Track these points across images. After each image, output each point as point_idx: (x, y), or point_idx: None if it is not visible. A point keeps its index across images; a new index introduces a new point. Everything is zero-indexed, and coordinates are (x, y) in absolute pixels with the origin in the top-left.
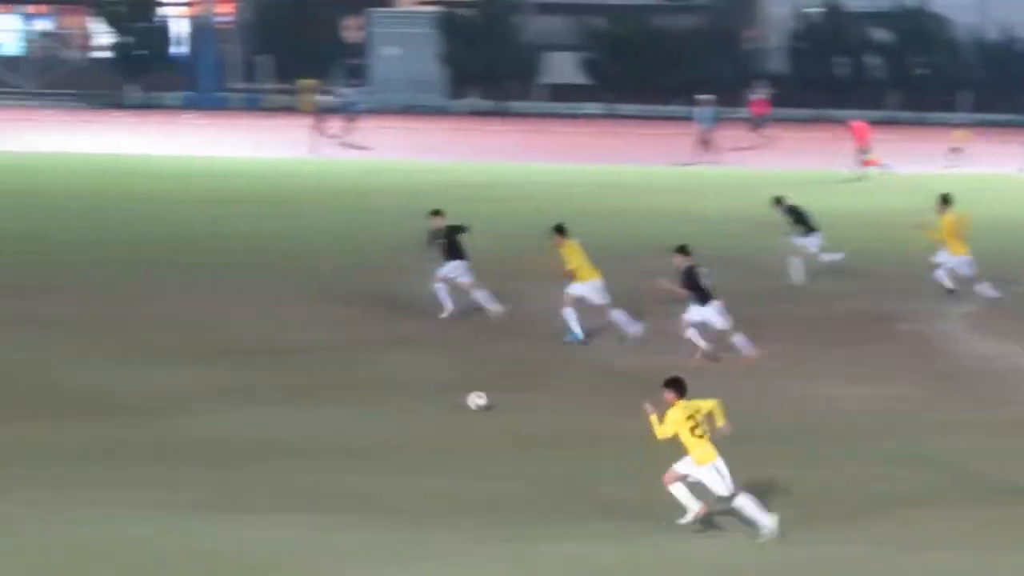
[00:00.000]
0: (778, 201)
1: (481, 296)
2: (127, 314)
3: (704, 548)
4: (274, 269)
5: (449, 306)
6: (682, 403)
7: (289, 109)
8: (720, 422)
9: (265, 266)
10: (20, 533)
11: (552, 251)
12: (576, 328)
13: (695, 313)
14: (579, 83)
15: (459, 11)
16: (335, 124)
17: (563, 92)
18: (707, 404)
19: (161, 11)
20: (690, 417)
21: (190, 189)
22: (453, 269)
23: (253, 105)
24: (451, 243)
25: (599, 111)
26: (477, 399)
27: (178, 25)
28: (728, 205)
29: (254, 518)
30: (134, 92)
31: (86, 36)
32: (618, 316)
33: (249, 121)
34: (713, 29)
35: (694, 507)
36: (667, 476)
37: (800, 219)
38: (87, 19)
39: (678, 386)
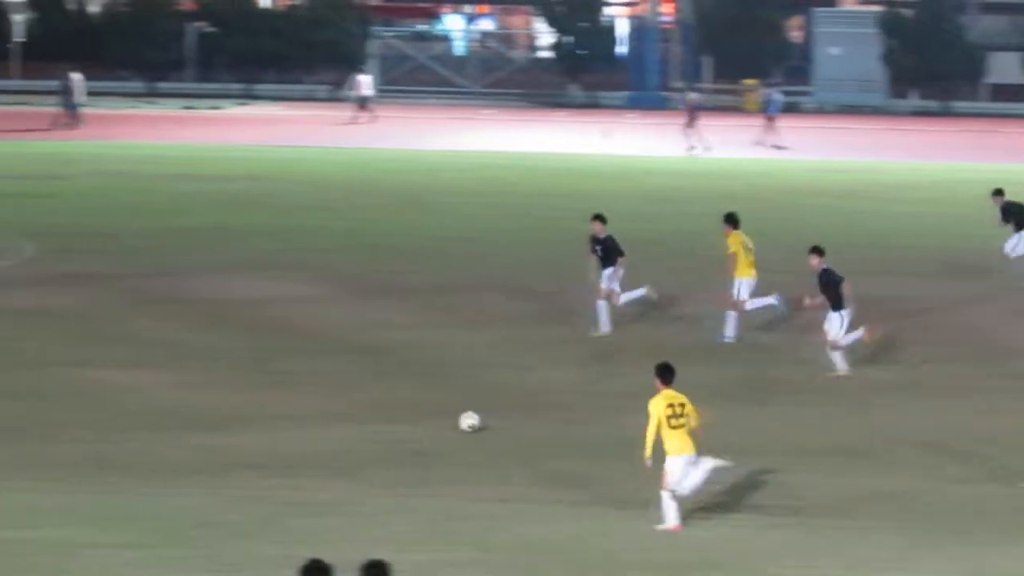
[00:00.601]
0: (997, 193)
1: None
2: (568, 312)
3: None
4: (711, 268)
5: (605, 326)
6: (666, 392)
7: (732, 109)
8: (694, 423)
9: (708, 262)
10: (466, 530)
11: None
12: (731, 330)
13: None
14: None
15: (902, 11)
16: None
17: (1007, 92)
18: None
19: (603, 11)
20: (670, 406)
21: (631, 188)
22: (606, 279)
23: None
24: (606, 250)
25: None
26: (468, 420)
27: (619, 25)
28: None
29: (691, 516)
30: (576, 91)
31: (528, 36)
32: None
33: None
34: None
35: (672, 520)
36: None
37: (1016, 216)
38: (529, 19)
39: (664, 373)
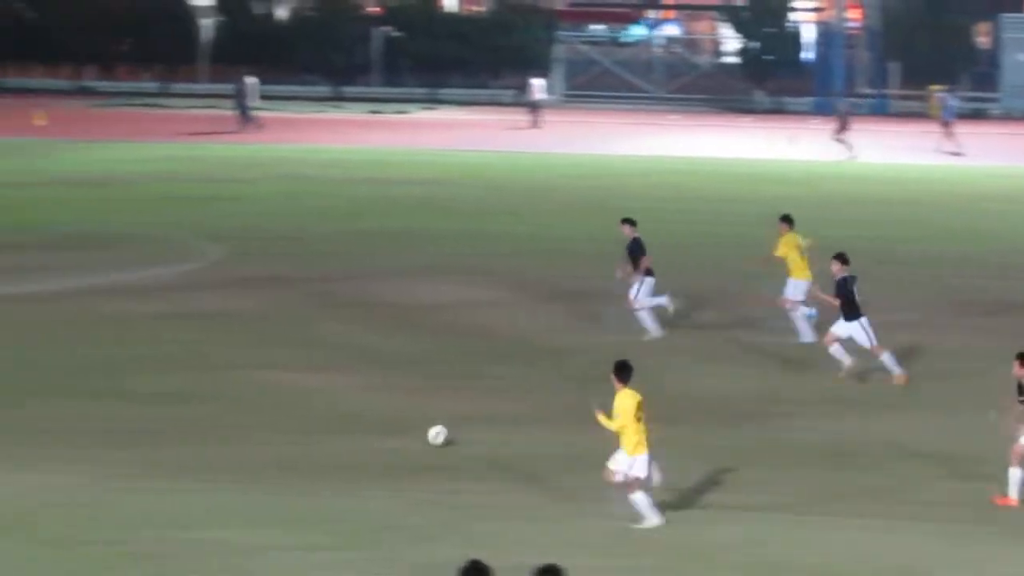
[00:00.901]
0: None
1: (659, 300)
2: (753, 319)
3: None
4: (899, 279)
5: (656, 330)
6: (629, 391)
7: (919, 115)
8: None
9: (893, 274)
10: (652, 536)
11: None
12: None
13: (840, 328)
14: None
15: None
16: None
17: None
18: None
19: (789, 17)
20: (638, 406)
21: (814, 194)
22: (642, 288)
23: (881, 111)
24: (635, 258)
25: None
26: (436, 436)
27: (805, 30)
28: None
29: (829, 521)
30: (761, 97)
31: (713, 41)
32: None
33: (877, 127)
34: None
35: (654, 519)
36: (629, 487)
37: None
38: (714, 25)
39: (623, 372)
